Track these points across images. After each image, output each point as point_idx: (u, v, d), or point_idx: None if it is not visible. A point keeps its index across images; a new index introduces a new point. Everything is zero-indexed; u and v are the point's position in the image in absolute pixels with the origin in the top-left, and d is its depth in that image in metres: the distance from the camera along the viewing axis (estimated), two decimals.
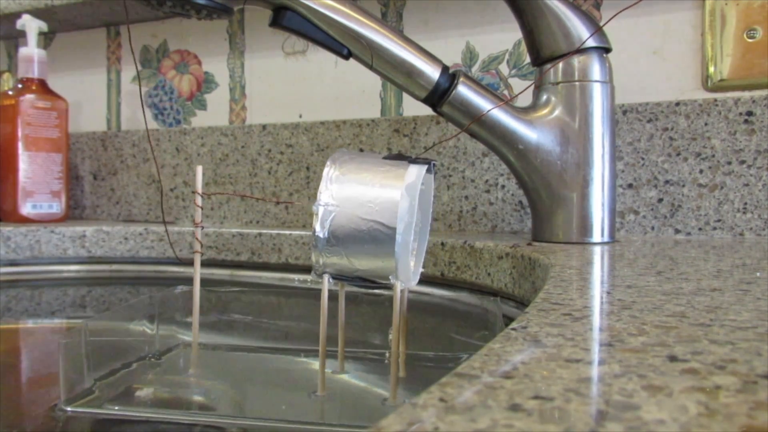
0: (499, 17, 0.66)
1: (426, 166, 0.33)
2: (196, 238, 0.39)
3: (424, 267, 0.54)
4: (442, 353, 0.41)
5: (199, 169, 0.38)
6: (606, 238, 0.49)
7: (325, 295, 0.34)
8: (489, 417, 0.11)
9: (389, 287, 0.33)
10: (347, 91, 0.73)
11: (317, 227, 0.32)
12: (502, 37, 0.66)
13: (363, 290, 0.39)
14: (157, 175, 0.82)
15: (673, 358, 0.15)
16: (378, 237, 0.31)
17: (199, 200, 0.38)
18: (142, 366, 0.41)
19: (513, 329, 0.18)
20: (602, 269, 0.34)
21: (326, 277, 0.33)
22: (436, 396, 0.12)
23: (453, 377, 0.14)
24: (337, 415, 0.35)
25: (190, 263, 0.67)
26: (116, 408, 0.34)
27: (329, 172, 0.33)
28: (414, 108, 0.69)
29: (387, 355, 0.37)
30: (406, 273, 0.33)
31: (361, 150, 0.70)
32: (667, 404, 0.12)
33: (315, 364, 0.38)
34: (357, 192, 0.31)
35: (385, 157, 0.33)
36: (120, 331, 0.44)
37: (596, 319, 0.20)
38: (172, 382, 0.40)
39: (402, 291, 0.35)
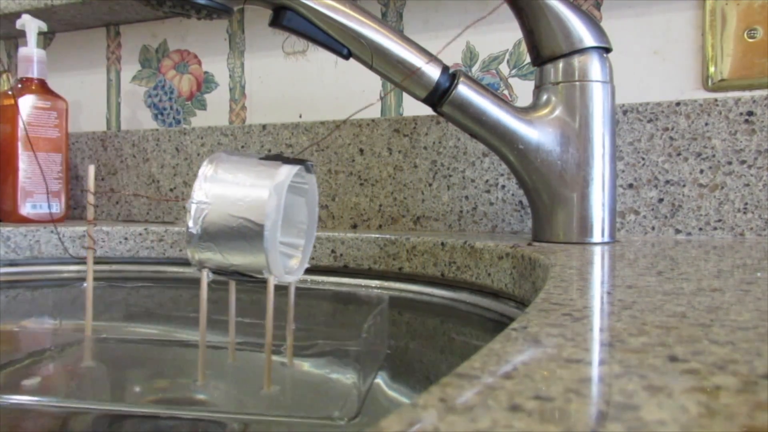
0: (499, 17, 0.66)
1: (297, 167, 0.35)
2: (89, 236, 0.40)
3: (423, 267, 0.54)
4: (331, 341, 0.41)
5: (91, 169, 0.40)
6: (606, 238, 0.49)
7: (204, 288, 0.35)
8: (489, 417, 0.11)
9: (282, 282, 0.36)
10: (347, 91, 0.73)
11: (190, 224, 0.34)
12: (502, 37, 0.66)
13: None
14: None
15: (673, 359, 0.15)
16: (247, 233, 0.33)
17: (91, 198, 0.40)
18: (45, 358, 0.42)
19: (513, 329, 0.18)
20: (602, 269, 0.34)
21: (205, 272, 0.35)
22: (436, 396, 0.12)
23: (453, 377, 0.14)
24: (214, 399, 0.36)
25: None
26: None
27: (205, 171, 0.34)
28: (414, 108, 0.69)
29: (283, 347, 0.38)
30: (278, 268, 0.34)
31: (362, 151, 0.70)
32: (667, 404, 0.12)
33: (214, 353, 0.40)
34: (229, 191, 0.33)
35: (261, 158, 0.35)
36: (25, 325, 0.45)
37: (597, 320, 0.20)
38: (60, 372, 0.41)
39: (289, 285, 0.38)
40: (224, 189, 0.33)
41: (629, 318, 0.20)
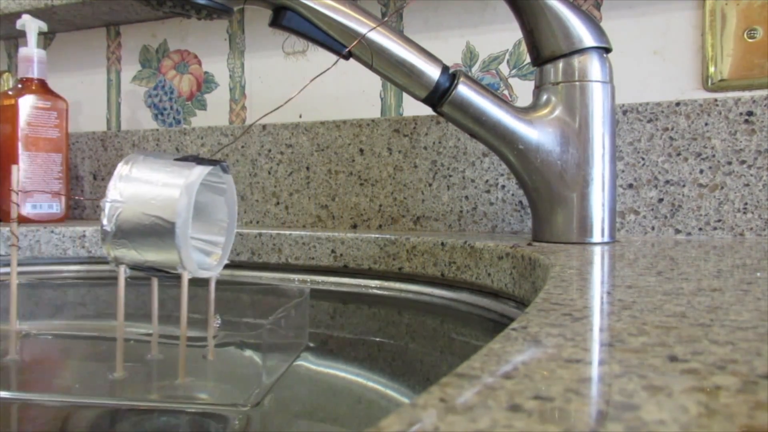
0: (499, 17, 0.66)
1: (210, 167, 0.36)
2: (13, 233, 0.42)
3: (423, 267, 0.54)
4: (248, 332, 0.43)
5: (15, 168, 0.42)
6: (606, 238, 0.49)
7: (121, 284, 0.37)
8: (489, 417, 0.11)
9: (205, 277, 0.38)
10: (347, 91, 0.73)
11: (104, 221, 0.35)
12: (503, 37, 0.66)
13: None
14: None
15: (673, 359, 0.15)
16: (159, 231, 0.34)
17: (15, 197, 0.41)
18: None
19: (513, 329, 0.18)
20: (602, 269, 0.34)
21: (122, 268, 0.37)
22: (436, 396, 0.12)
23: (453, 377, 0.14)
24: (127, 389, 0.38)
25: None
26: None
27: (120, 170, 0.36)
28: (414, 108, 0.69)
29: (203, 341, 0.40)
30: (191, 263, 0.36)
31: (362, 151, 0.70)
32: (667, 404, 0.12)
33: (144, 346, 0.41)
34: (142, 190, 0.35)
35: (176, 159, 0.36)
36: None
37: (596, 320, 0.20)
38: None
39: (210, 280, 0.40)
40: (138, 188, 0.35)
41: (629, 318, 0.20)
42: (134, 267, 0.37)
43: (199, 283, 0.39)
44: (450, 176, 0.65)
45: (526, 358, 0.15)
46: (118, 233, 0.35)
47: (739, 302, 0.22)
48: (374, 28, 0.46)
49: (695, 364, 0.14)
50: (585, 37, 0.49)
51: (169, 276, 0.37)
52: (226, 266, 0.66)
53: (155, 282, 0.40)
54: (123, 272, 0.37)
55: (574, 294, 0.25)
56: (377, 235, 0.57)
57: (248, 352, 0.42)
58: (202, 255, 0.41)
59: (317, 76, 0.46)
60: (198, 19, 0.45)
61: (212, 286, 0.40)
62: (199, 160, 0.36)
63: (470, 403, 0.12)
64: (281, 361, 0.41)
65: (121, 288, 0.37)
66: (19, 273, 0.67)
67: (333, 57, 0.74)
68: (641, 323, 0.19)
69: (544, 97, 0.50)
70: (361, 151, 0.70)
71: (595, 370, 0.14)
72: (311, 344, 0.47)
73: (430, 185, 0.66)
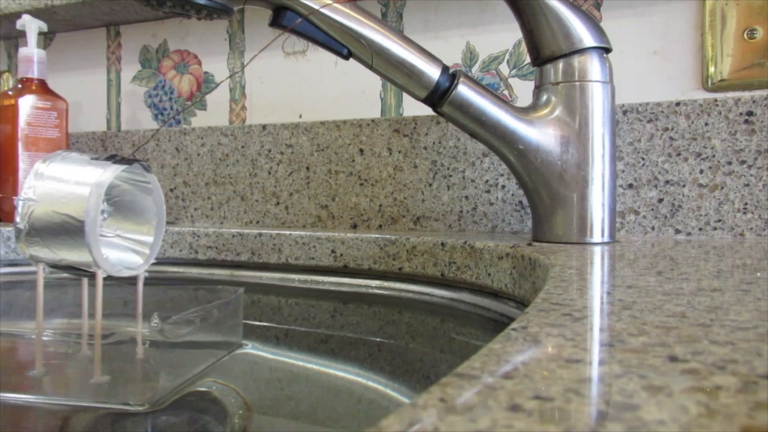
0: (499, 17, 0.66)
1: (123, 166, 0.37)
2: None
3: (423, 267, 0.54)
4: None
5: None
6: (606, 238, 0.49)
7: (40, 282, 0.38)
8: (489, 417, 0.11)
9: (127, 276, 0.39)
10: (347, 91, 0.73)
11: (18, 219, 0.36)
12: (503, 37, 0.66)
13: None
14: None
15: (673, 359, 0.15)
16: (70, 229, 0.35)
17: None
18: None
19: (513, 329, 0.18)
20: (602, 269, 0.34)
21: (41, 266, 0.37)
22: (436, 396, 0.12)
23: (453, 377, 0.14)
24: (43, 387, 0.38)
25: (183, 263, 0.67)
26: None
27: (37, 168, 0.37)
28: (414, 108, 0.69)
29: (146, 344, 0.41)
30: (104, 262, 0.36)
31: (362, 151, 0.70)
32: (667, 404, 0.12)
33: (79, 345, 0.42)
34: (54, 188, 0.36)
35: (93, 158, 0.37)
36: None
37: (596, 320, 0.20)
38: None
39: (137, 279, 0.40)
40: (51, 186, 0.36)
41: (629, 318, 0.20)
42: (53, 265, 0.37)
43: (149, 282, 0.39)
44: (450, 176, 0.65)
45: (526, 358, 0.15)
46: (31, 231, 0.36)
47: (739, 302, 0.22)
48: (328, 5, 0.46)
49: (695, 364, 0.14)
50: (585, 37, 0.49)
51: (84, 274, 0.37)
52: (227, 266, 0.66)
53: (85, 281, 0.40)
54: (41, 270, 0.37)
55: (574, 294, 0.25)
56: (377, 235, 0.57)
57: (178, 351, 0.42)
58: (131, 254, 0.42)
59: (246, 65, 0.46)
60: (198, 19, 0.45)
61: (140, 285, 0.40)
62: (114, 160, 0.37)
63: (470, 403, 0.12)
64: (203, 358, 0.42)
65: (40, 286, 0.38)
66: (20, 273, 0.67)
67: (333, 57, 0.74)
68: (641, 323, 0.19)
69: (544, 97, 0.50)
70: (361, 151, 0.70)
71: (595, 370, 0.14)
72: (246, 343, 0.47)
73: (430, 185, 0.66)
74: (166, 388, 0.37)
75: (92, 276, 0.37)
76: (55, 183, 0.36)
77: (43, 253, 0.36)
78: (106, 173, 0.36)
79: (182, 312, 0.40)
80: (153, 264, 0.69)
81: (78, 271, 0.37)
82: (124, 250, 0.42)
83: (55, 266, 0.37)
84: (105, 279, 0.40)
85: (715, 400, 0.12)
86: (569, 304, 0.22)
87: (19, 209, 0.36)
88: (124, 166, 0.37)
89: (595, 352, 0.16)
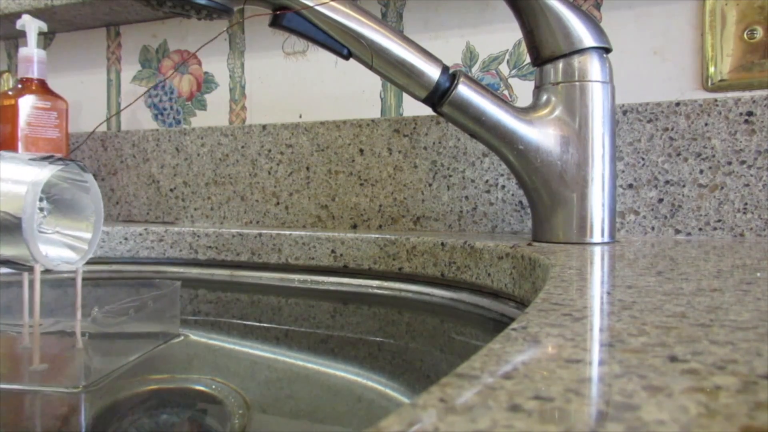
0: (499, 17, 0.66)
1: (59, 167, 0.39)
2: None
3: (423, 267, 0.54)
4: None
5: None
6: (606, 239, 0.49)
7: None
8: (489, 417, 0.11)
9: (64, 270, 0.41)
10: (347, 91, 0.73)
11: None
12: (503, 37, 0.66)
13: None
14: None
15: (673, 359, 0.15)
16: (8, 225, 0.37)
17: None
18: None
19: (513, 329, 0.18)
20: (602, 269, 0.34)
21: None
22: (436, 396, 0.12)
23: (453, 377, 0.14)
24: None
25: (183, 263, 0.67)
26: None
27: None
28: (414, 108, 0.69)
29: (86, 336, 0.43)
30: (41, 256, 0.38)
31: (362, 151, 0.70)
32: (667, 405, 0.12)
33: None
34: None
35: (31, 158, 0.39)
36: None
37: (596, 320, 0.20)
38: None
39: (76, 273, 0.42)
40: None
41: (629, 318, 0.20)
42: None
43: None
44: (450, 176, 0.65)
45: (526, 358, 0.15)
46: None
47: (739, 302, 0.22)
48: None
49: (695, 365, 0.14)
50: (585, 37, 0.49)
51: (23, 269, 0.40)
52: (227, 266, 0.66)
53: (26, 276, 0.43)
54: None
55: (574, 294, 0.25)
56: (377, 236, 0.57)
57: (114, 341, 0.44)
58: (70, 249, 0.44)
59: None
60: (198, 19, 0.45)
61: (78, 278, 0.42)
62: (52, 160, 0.39)
63: (470, 403, 0.12)
64: (138, 347, 0.45)
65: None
66: (19, 274, 0.67)
67: (332, 57, 0.74)
68: (641, 323, 0.19)
69: (544, 98, 0.50)
70: (361, 151, 0.70)
71: (595, 371, 0.14)
72: (185, 335, 0.50)
73: (430, 185, 0.66)
74: (99, 372, 0.40)
75: (31, 270, 0.39)
76: None
77: None
78: (43, 172, 0.38)
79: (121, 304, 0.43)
80: (152, 264, 0.69)
81: (16, 266, 0.39)
82: (64, 246, 0.44)
83: None
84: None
85: (715, 401, 0.12)
86: (569, 304, 0.22)
87: None
88: (60, 166, 0.39)
89: (595, 353, 0.16)
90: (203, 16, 0.44)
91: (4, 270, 0.67)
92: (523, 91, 0.65)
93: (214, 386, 0.42)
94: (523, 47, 0.65)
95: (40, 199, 0.43)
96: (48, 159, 0.39)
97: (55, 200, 0.44)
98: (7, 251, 0.38)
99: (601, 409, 0.12)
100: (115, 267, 0.69)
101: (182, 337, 0.49)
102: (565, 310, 0.21)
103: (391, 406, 0.40)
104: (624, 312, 0.21)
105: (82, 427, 0.35)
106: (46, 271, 0.40)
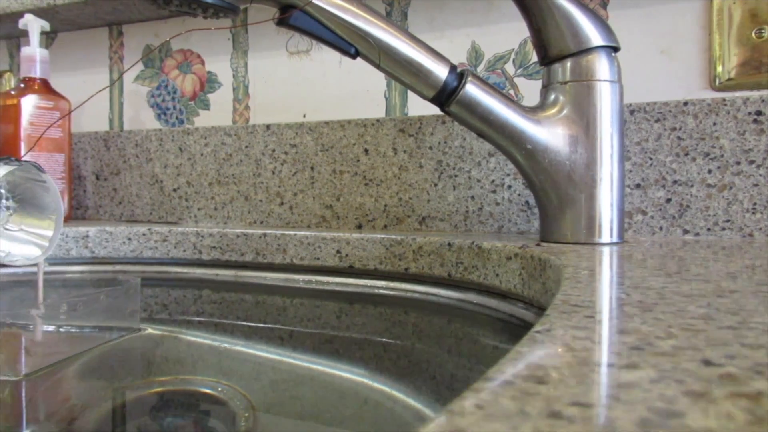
0: (504, 16, 0.66)
1: (13, 167, 0.42)
2: None
3: (430, 268, 0.54)
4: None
5: None
6: (615, 239, 0.49)
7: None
8: (531, 424, 0.11)
9: (22, 264, 0.45)
10: (351, 90, 0.73)
11: None
12: (508, 36, 0.65)
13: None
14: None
15: (707, 363, 0.15)
16: None
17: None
18: None
19: (537, 332, 0.18)
20: (616, 270, 0.34)
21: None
22: (472, 402, 0.12)
23: (485, 382, 0.13)
24: None
25: (187, 264, 0.67)
26: None
27: None
28: (419, 108, 0.69)
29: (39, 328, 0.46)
30: None
31: (366, 150, 0.69)
32: (712, 411, 0.11)
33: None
34: None
35: None
36: None
37: (620, 322, 0.20)
38: None
39: (38, 269, 0.45)
40: None
41: (653, 320, 0.19)
42: None
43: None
44: (456, 176, 0.65)
45: (557, 362, 0.15)
46: None
47: (762, 304, 0.22)
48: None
49: (732, 369, 0.14)
50: (593, 36, 0.49)
51: None
52: (231, 266, 0.66)
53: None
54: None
55: (592, 295, 0.24)
56: (383, 236, 0.57)
57: (70, 333, 0.48)
58: (33, 246, 0.47)
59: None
60: (204, 17, 0.45)
61: (40, 272, 0.45)
62: (6, 161, 0.42)
63: (508, 409, 0.12)
64: (91, 340, 0.48)
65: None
66: (21, 274, 0.66)
67: (337, 56, 0.73)
68: (667, 326, 0.19)
69: (552, 97, 0.50)
70: (366, 151, 0.69)
71: (630, 375, 0.14)
72: (144, 327, 0.52)
73: (436, 185, 0.66)
74: (41, 363, 0.42)
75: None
76: None
77: None
78: None
79: (69, 298, 0.46)
80: (155, 264, 0.69)
81: None
82: (27, 243, 0.47)
83: None
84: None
85: (760, 407, 0.12)
86: (589, 306, 0.22)
87: None
88: (14, 167, 0.42)
89: (626, 356, 0.15)
90: (209, 14, 0.44)
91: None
92: (528, 90, 0.65)
93: (220, 388, 0.41)
94: (529, 46, 0.64)
95: (7, 198, 0.46)
96: (4, 160, 0.42)
97: (20, 200, 0.47)
98: None
99: (645, 416, 0.11)
100: (118, 267, 0.68)
101: (143, 332, 0.52)
102: (586, 312, 0.21)
103: (398, 408, 0.40)
104: (646, 314, 0.20)
105: (22, 415, 0.38)
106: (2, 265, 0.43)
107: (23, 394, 0.40)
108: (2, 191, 0.44)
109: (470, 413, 0.11)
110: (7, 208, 0.46)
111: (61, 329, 0.47)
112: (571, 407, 0.12)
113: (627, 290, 0.26)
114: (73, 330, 0.48)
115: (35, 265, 0.45)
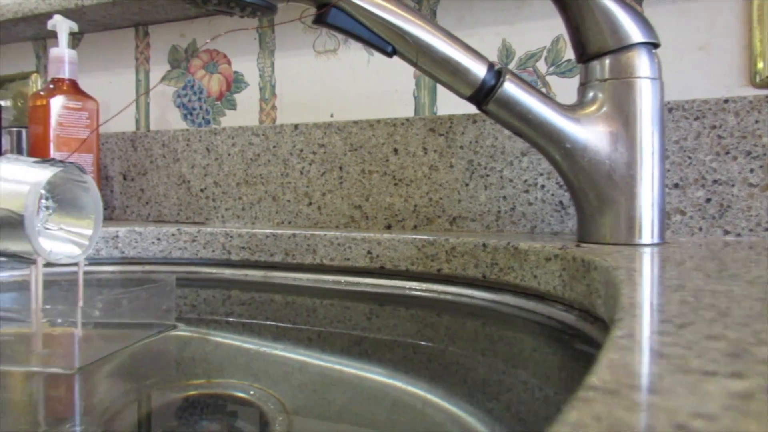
0: (536, 14, 0.65)
1: (59, 168, 0.42)
2: None
3: (464, 269, 0.53)
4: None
5: None
6: (656, 240, 0.48)
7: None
8: None
9: (65, 263, 0.45)
10: (379, 90, 0.72)
11: None
12: (540, 34, 0.64)
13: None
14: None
15: None
16: (11, 222, 0.40)
17: None
18: None
19: (620, 337, 0.17)
20: (669, 272, 0.33)
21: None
22: (588, 414, 0.11)
23: (590, 391, 0.13)
24: None
25: (213, 264, 0.67)
26: None
27: None
28: (449, 107, 0.68)
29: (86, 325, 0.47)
30: (42, 250, 0.42)
31: (396, 150, 0.69)
32: None
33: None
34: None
35: (34, 161, 0.43)
36: None
37: (703, 327, 0.19)
38: None
39: (78, 268, 0.46)
40: None
41: (736, 326, 0.19)
42: None
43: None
44: (487, 176, 0.64)
45: (656, 369, 0.14)
46: None
47: None
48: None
49: None
50: (633, 32, 0.48)
51: (26, 262, 0.43)
52: (260, 267, 0.65)
53: (33, 270, 0.46)
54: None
55: (659, 298, 0.24)
56: (415, 236, 0.56)
57: (111, 330, 0.49)
58: (73, 245, 0.48)
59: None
60: (241, 17, 0.44)
61: (80, 270, 0.46)
62: (52, 163, 0.43)
63: (628, 421, 0.11)
64: (131, 336, 0.49)
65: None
66: (55, 274, 0.67)
67: (365, 55, 0.73)
68: (753, 331, 0.18)
69: (591, 95, 0.49)
70: (396, 150, 0.69)
71: (740, 384, 0.13)
72: (178, 325, 0.54)
73: (467, 185, 0.65)
74: (92, 357, 0.44)
75: (34, 263, 0.43)
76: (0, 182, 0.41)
77: None
78: (44, 173, 0.41)
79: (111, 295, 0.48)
80: (184, 265, 0.69)
81: (21, 259, 0.43)
82: (68, 242, 0.47)
83: (0, 254, 0.43)
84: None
85: None
86: (662, 310, 0.21)
87: None
88: (60, 169, 0.43)
89: (727, 364, 0.15)
90: (247, 13, 0.44)
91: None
92: (561, 88, 0.64)
93: (252, 392, 0.41)
94: (562, 44, 0.63)
95: (46, 198, 0.47)
96: (49, 162, 0.43)
97: (59, 200, 0.48)
98: (13, 246, 0.41)
99: None
100: (148, 267, 0.68)
101: (177, 328, 0.53)
102: (662, 316, 0.20)
103: (430, 411, 0.39)
104: (726, 319, 0.20)
105: (75, 405, 0.40)
106: (49, 264, 0.44)
107: (76, 388, 0.41)
108: (43, 191, 0.44)
109: (590, 426, 0.11)
110: (47, 207, 0.46)
111: (101, 326, 0.48)
112: (695, 420, 0.11)
113: (693, 294, 0.26)
114: (111, 326, 0.49)
115: (75, 264, 0.46)
